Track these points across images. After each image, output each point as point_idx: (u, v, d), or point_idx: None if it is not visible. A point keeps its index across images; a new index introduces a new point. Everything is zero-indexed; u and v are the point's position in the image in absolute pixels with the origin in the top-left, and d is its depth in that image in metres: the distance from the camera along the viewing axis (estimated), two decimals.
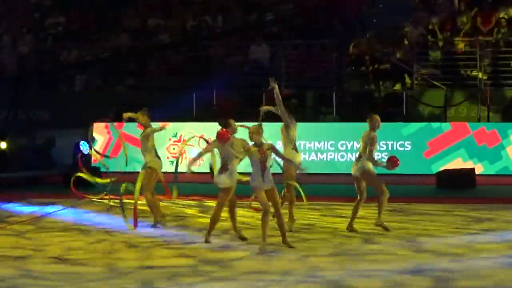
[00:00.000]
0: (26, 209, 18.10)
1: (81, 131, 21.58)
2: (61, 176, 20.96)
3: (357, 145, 21.82)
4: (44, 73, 25.59)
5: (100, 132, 22.39)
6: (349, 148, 22.02)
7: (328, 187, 20.17)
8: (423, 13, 25.83)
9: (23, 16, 28.48)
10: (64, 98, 24.60)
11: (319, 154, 21.99)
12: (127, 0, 28.82)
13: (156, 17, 27.73)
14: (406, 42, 24.95)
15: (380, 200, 14.70)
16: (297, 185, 15.33)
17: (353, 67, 25.09)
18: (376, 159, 15.01)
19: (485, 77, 23.81)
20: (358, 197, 14.85)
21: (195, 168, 15.94)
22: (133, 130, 19.97)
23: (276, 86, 15.45)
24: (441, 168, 20.74)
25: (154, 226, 15.30)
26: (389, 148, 21.84)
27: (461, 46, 24.38)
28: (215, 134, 13.66)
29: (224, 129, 13.73)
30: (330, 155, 22.10)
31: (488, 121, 22.26)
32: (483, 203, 17.91)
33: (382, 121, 21.72)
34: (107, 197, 17.37)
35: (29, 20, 28.26)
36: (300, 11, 26.90)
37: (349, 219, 15.01)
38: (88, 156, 22.01)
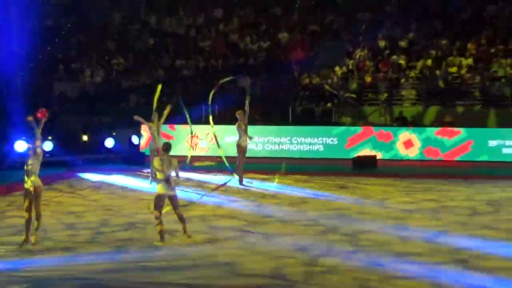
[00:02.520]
0: (95, 177, 17.98)
1: (133, 130, 21.83)
2: (121, 157, 20.98)
3: (305, 140, 21.78)
4: (110, 94, 25.64)
5: (145, 130, 22.25)
6: (299, 142, 21.79)
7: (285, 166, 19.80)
8: (347, 59, 25.63)
9: (98, 57, 28.49)
10: (123, 110, 24.34)
11: (280, 145, 21.83)
12: (162, 47, 28.55)
13: (180, 59, 27.58)
14: (336, 76, 24.74)
15: None
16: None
17: (303, 91, 24.65)
18: None
19: (383, 99, 23.69)
20: None
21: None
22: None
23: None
24: (355, 155, 20.54)
25: None
26: (324, 142, 21.54)
27: (368, 79, 24.33)
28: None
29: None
30: (287, 146, 21.87)
31: (385, 126, 22.08)
32: (382, 177, 17.98)
33: (320, 125, 22.13)
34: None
35: (102, 60, 28.28)
36: (271, 57, 26.74)
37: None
38: (138, 146, 21.93)
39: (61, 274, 8.74)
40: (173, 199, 10.34)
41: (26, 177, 10.28)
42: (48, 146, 20.60)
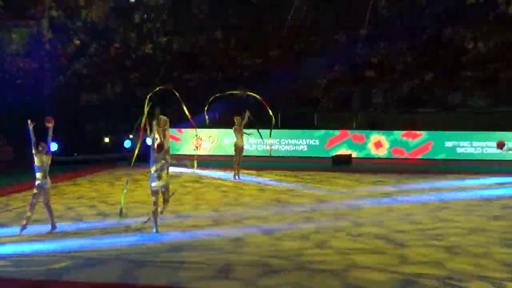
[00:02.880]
0: (116, 173, 17.89)
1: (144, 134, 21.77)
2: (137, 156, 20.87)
3: (291, 141, 21.88)
4: (128, 103, 25.18)
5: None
6: (286, 143, 21.90)
7: (275, 163, 20.02)
8: (328, 72, 25.22)
9: (114, 73, 28.23)
10: (138, 116, 23.99)
11: (271, 146, 21.07)
12: (171, 63, 28.45)
13: (186, 73, 27.52)
14: (318, 87, 24.71)
15: None
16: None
17: (291, 100, 24.37)
18: None
19: (358, 106, 23.65)
20: None
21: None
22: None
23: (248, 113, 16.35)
24: (334, 154, 20.59)
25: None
26: (307, 143, 21.59)
27: (345, 90, 24.13)
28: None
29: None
30: (276, 146, 21.83)
31: (359, 129, 21.94)
32: (356, 172, 18.00)
33: (304, 129, 21.71)
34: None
35: (120, 74, 28.15)
36: (263, 70, 26.72)
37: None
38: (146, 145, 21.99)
39: (93, 255, 8.72)
40: (164, 190, 10.50)
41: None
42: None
